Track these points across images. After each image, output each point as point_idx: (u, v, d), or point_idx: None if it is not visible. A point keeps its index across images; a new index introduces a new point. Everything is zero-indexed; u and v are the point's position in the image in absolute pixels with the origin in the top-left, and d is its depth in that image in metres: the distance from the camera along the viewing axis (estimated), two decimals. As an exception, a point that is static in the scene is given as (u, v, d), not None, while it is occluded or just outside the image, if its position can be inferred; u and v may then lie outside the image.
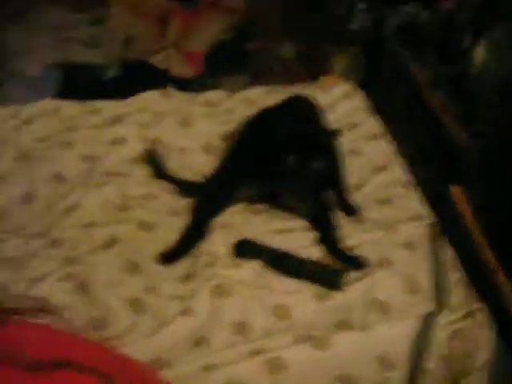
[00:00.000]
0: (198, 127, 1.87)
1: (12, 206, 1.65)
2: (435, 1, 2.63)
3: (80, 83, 2.46)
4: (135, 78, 2.54)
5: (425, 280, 1.56)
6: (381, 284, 1.53)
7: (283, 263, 1.55)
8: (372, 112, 2.02)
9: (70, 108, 1.91)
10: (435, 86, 2.48)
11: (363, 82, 2.95)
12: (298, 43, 3.07)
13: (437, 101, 2.44)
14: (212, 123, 1.90)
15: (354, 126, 1.97)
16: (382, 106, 2.74)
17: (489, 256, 1.72)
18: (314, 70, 2.77)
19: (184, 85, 2.33)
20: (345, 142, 1.88)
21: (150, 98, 1.95)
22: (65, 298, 1.42)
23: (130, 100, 1.95)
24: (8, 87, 2.30)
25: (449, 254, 1.63)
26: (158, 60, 2.65)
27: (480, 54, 2.41)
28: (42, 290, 1.42)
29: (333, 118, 1.94)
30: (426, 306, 1.50)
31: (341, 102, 2.03)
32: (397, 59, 2.70)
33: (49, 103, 1.91)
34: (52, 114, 1.88)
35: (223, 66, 2.75)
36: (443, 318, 1.46)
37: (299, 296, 1.50)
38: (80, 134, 1.82)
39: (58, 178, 1.72)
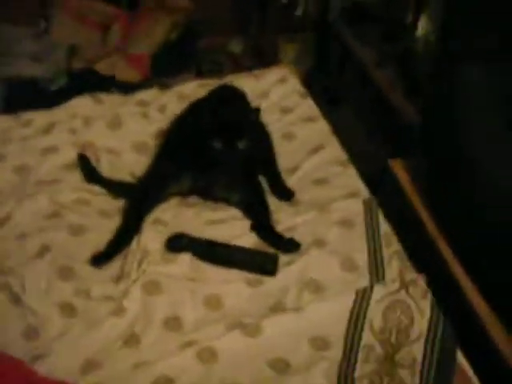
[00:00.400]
0: (128, 127, 1.85)
1: None
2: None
3: (26, 97, 2.44)
4: (82, 86, 2.50)
5: (360, 257, 1.53)
6: (315, 264, 1.51)
7: (214, 253, 1.53)
8: (307, 95, 1.99)
9: (2, 122, 1.89)
10: (380, 65, 2.47)
11: (314, 69, 2.96)
12: (246, 37, 3.06)
13: (383, 78, 2.43)
14: (143, 122, 1.88)
15: (288, 110, 1.94)
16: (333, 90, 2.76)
17: (430, 225, 1.70)
18: (263, 62, 2.75)
19: (131, 89, 2.31)
20: (279, 127, 1.87)
21: (80, 104, 1.93)
22: (-1, 310, 1.40)
23: (60, 108, 1.93)
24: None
25: (384, 228, 1.60)
26: (103, 67, 2.63)
27: (422, 28, 2.39)
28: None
29: (266, 104, 1.92)
30: (362, 282, 1.47)
31: (275, 88, 2.00)
32: (343, 41, 2.69)
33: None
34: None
35: (171, 67, 2.73)
36: (378, 292, 1.44)
37: (231, 285, 1.48)
38: (12, 146, 1.80)
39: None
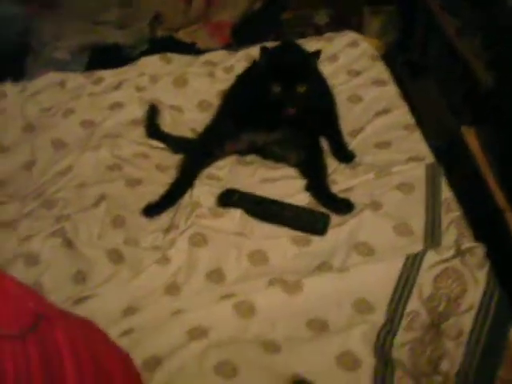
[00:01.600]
0: (194, 86, 1.83)
1: (14, 173, 1.68)
2: None
3: (108, 62, 2.47)
4: (163, 52, 2.52)
5: (416, 222, 1.43)
6: (367, 226, 1.43)
7: (264, 209, 1.48)
8: (378, 58, 1.89)
9: (75, 79, 1.92)
10: (465, 34, 2.31)
11: (399, 41, 2.83)
12: (332, 9, 2.96)
13: (467, 48, 2.28)
14: (209, 82, 1.85)
15: (356, 73, 1.85)
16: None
17: (499, 196, 1.57)
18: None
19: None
20: (345, 89, 1.79)
21: (148, 63, 1.93)
22: (52, 254, 1.42)
23: (129, 66, 1.94)
24: (38, 74, 2.35)
25: (446, 195, 1.49)
26: (184, 34, 2.63)
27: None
28: (33, 246, 1.43)
29: (334, 67, 1.85)
30: (415, 248, 1.38)
31: (345, 51, 1.92)
32: (428, 10, 2.54)
33: (54, 76, 1.94)
34: (57, 86, 1.90)
35: (253, 36, 2.68)
36: (430, 258, 1.33)
37: (278, 241, 1.42)
38: (81, 102, 1.83)
39: (58, 143, 1.72)
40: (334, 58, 1.90)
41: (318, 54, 1.55)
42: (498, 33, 2.17)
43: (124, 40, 2.59)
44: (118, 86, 1.87)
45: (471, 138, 1.70)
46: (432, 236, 1.40)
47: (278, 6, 2.88)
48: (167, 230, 1.47)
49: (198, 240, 1.43)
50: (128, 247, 1.44)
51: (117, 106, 1.81)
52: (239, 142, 1.63)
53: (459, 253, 1.34)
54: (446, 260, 1.33)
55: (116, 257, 1.41)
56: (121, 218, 1.51)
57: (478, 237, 1.40)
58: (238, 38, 2.67)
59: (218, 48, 2.54)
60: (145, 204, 1.53)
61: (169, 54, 1.97)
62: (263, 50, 1.54)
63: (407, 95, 1.86)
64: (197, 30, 2.65)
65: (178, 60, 1.95)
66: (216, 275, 1.37)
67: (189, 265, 1.39)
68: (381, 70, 1.84)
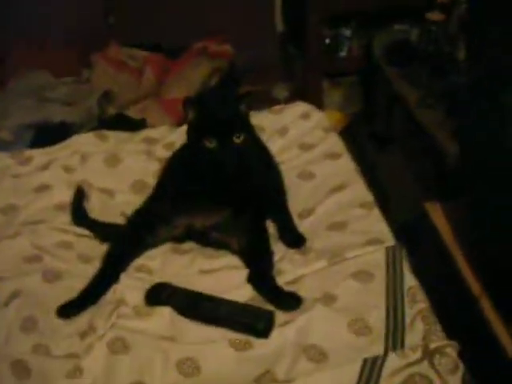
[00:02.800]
0: (128, 165, 1.62)
1: None
2: (422, 16, 2.33)
3: (54, 143, 2.28)
4: (112, 130, 2.34)
5: (375, 317, 1.20)
6: (318, 325, 1.19)
7: (198, 307, 1.24)
8: (331, 130, 1.70)
9: (1, 160, 1.71)
10: (429, 105, 2.16)
11: (361, 113, 2.68)
12: (290, 83, 2.82)
13: (431, 119, 2.12)
14: (146, 160, 1.65)
15: (309, 146, 1.66)
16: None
17: (471, 281, 1.35)
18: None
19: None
20: (296, 165, 1.59)
21: (81, 141, 1.73)
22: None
23: (61, 144, 1.73)
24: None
25: (410, 283, 1.26)
26: (135, 111, 2.46)
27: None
28: None
29: (284, 141, 1.65)
30: (375, 349, 1.14)
31: (296, 123, 1.73)
32: (388, 81, 2.40)
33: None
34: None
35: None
36: (392, 362, 1.09)
37: (213, 346, 1.18)
38: (4, 185, 1.61)
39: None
40: (283, 130, 1.71)
41: (248, 94, 1.38)
42: (459, 102, 2.01)
43: (72, 118, 2.41)
44: (45, 167, 1.65)
45: (437, 215, 1.49)
46: (394, 334, 1.17)
47: (233, 82, 2.73)
48: (84, 334, 1.22)
49: (118, 346, 1.18)
50: (36, 357, 1.19)
51: (43, 188, 1.59)
52: (174, 227, 1.41)
53: (427, 354, 1.10)
54: (412, 364, 1.09)
55: (20, 369, 1.16)
56: (32, 319, 1.27)
57: (450, 332, 1.17)
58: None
59: (170, 125, 2.38)
60: (62, 302, 1.29)
61: (104, 131, 1.77)
62: (186, 102, 1.34)
63: (371, 169, 1.68)
64: (148, 106, 2.48)
65: (114, 137, 1.75)
66: (138, 390, 1.11)
67: (106, 378, 1.13)
68: (335, 142, 1.65)
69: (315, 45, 2.49)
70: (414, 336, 1.15)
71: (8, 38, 2.65)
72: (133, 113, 2.45)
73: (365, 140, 2.51)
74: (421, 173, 2.16)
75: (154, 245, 1.41)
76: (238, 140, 1.32)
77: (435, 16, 2.29)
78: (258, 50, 2.83)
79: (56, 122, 2.37)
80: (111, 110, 2.49)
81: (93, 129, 2.32)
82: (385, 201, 1.58)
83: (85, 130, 2.35)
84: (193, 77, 2.55)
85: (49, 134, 2.30)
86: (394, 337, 1.16)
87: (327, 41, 2.57)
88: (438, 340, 1.14)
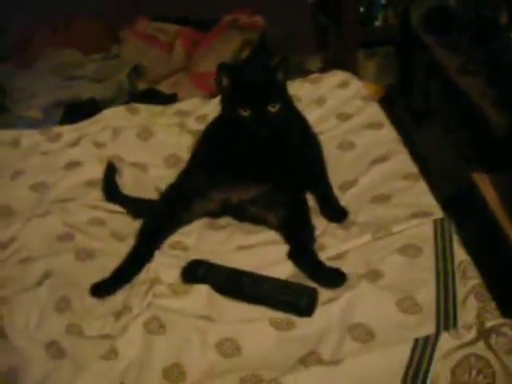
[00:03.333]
0: (160, 139, 1.56)
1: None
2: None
3: (83, 118, 2.23)
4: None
5: (425, 294, 1.12)
6: (364, 303, 1.12)
7: (237, 285, 1.17)
8: (371, 99, 1.60)
9: (31, 137, 1.66)
10: (469, 72, 2.04)
11: (398, 85, 2.56)
12: (324, 55, 2.71)
13: (472, 88, 2.00)
14: (178, 133, 1.58)
15: (347, 116, 1.57)
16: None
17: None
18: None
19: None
20: (335, 135, 1.51)
21: (112, 115, 1.67)
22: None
23: (91, 120, 1.67)
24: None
25: (461, 257, 1.17)
26: (166, 86, 2.39)
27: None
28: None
29: (321, 111, 1.57)
30: (425, 329, 1.06)
31: (333, 93, 1.64)
32: (427, 51, 2.27)
33: (7, 134, 1.67)
34: (7, 145, 1.63)
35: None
36: (445, 343, 1.01)
37: (253, 325, 1.11)
38: (33, 162, 1.56)
39: (3, 211, 1.45)
40: (321, 100, 1.63)
41: (284, 61, 1.31)
42: (503, 69, 1.89)
43: (101, 94, 2.34)
44: (75, 143, 1.60)
45: (486, 186, 1.39)
46: (446, 312, 1.08)
47: (266, 53, 2.64)
48: (118, 314, 1.17)
49: (154, 326, 1.12)
50: (70, 337, 1.14)
51: (73, 165, 1.54)
52: (210, 201, 1.35)
53: (482, 333, 1.02)
54: (467, 344, 1.01)
55: (55, 350, 1.11)
56: (66, 299, 1.22)
57: (506, 311, 1.08)
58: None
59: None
60: (97, 279, 1.24)
61: (135, 105, 1.71)
62: (221, 68, 1.28)
63: (409, 143, 1.59)
64: (179, 80, 2.41)
65: (146, 110, 1.69)
66: (175, 373, 1.06)
67: (141, 360, 1.08)
68: (375, 112, 1.56)
69: (350, 13, 2.37)
70: (467, 314, 1.07)
71: (33, 18, 2.59)
72: (164, 87, 2.39)
73: (402, 113, 2.40)
74: (462, 145, 2.06)
75: (189, 221, 1.35)
76: (273, 109, 1.25)
77: (476, -22, 2.16)
78: (290, 20, 2.73)
79: (85, 99, 2.31)
80: (142, 85, 2.43)
81: (123, 104, 2.29)
82: (427, 174, 1.50)
83: (115, 104, 2.31)
84: (223, 50, 2.47)
85: (78, 112, 2.24)
86: (446, 315, 1.08)
87: (361, 9, 2.44)
88: (494, 318, 1.05)
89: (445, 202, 1.40)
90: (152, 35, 2.59)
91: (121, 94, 2.37)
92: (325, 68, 2.68)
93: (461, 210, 1.45)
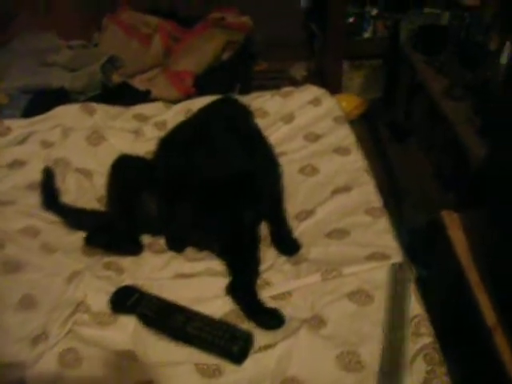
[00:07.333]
0: (112, 144, 1.42)
1: None
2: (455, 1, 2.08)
3: (48, 107, 2.08)
4: (114, 99, 2.12)
5: (369, 351, 1.00)
6: (301, 355, 0.99)
7: (168, 321, 1.04)
8: (344, 121, 1.47)
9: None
10: (455, 96, 1.91)
11: (383, 98, 2.45)
12: (309, 63, 2.58)
13: (457, 112, 1.88)
14: (132, 140, 1.44)
15: (315, 137, 1.44)
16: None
17: (486, 308, 1.13)
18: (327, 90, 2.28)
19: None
20: (299, 158, 1.37)
21: (66, 113, 1.52)
22: None
23: (44, 116, 1.53)
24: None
25: (415, 311, 1.05)
26: (140, 81, 2.24)
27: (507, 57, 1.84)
28: None
29: (289, 129, 1.44)
30: (366, 388, 0.94)
31: (304, 110, 1.50)
32: (414, 68, 2.15)
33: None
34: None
35: (218, 88, 2.29)
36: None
37: (177, 371, 0.99)
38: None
39: None
40: (290, 117, 1.49)
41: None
42: (489, 97, 1.77)
43: (72, 84, 2.19)
44: (23, 140, 1.46)
45: (454, 227, 1.27)
46: (390, 373, 0.96)
47: (248, 58, 2.51)
48: (36, 340, 1.04)
49: (70, 359, 0.99)
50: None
51: (17, 164, 1.40)
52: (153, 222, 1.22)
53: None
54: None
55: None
56: (-18, 315, 1.08)
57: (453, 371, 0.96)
58: (201, 89, 2.27)
59: (175, 98, 2.17)
60: (21, 296, 1.11)
61: (92, 104, 1.56)
62: None
63: (387, 160, 1.47)
64: (155, 76, 2.26)
65: (104, 111, 1.54)
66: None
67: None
68: (345, 135, 1.43)
69: (337, 22, 2.24)
70: (413, 378, 0.95)
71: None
72: (138, 82, 2.24)
73: (382, 129, 2.28)
74: (439, 170, 1.94)
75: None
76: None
77: (470, 1, 2.04)
78: (279, 25, 2.59)
79: (55, 88, 2.16)
80: (116, 78, 2.28)
81: (94, 97, 2.14)
82: (398, 196, 1.37)
83: (85, 96, 2.17)
84: (204, 48, 2.33)
85: (46, 100, 2.10)
86: (391, 376, 0.95)
87: (350, 19, 2.30)
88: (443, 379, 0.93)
89: (411, 235, 1.29)
90: (134, 26, 2.44)
91: (93, 86, 2.22)
92: (310, 77, 2.56)
93: (426, 244, 1.33)
